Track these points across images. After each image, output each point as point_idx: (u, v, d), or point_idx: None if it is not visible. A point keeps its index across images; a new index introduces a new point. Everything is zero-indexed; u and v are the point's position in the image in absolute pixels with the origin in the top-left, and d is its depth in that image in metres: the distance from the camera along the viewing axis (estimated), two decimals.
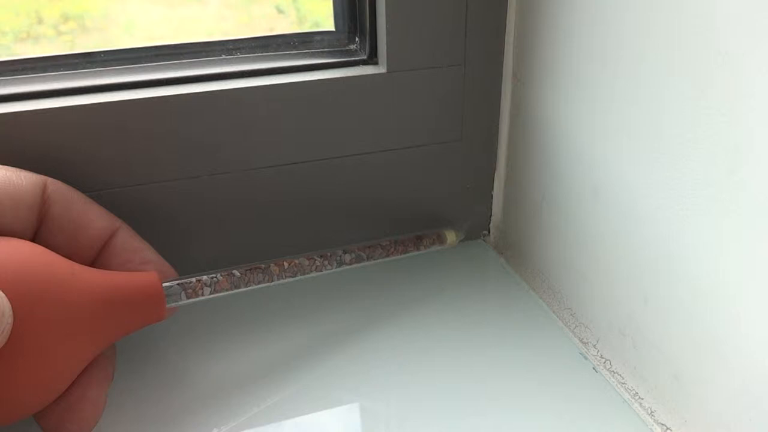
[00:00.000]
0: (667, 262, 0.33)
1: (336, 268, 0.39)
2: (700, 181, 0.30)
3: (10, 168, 0.32)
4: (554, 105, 0.40)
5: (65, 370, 0.30)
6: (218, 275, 0.35)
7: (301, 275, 0.38)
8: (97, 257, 0.35)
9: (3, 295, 0.27)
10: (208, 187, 0.41)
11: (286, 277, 0.37)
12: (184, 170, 0.40)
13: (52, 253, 0.31)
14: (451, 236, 0.45)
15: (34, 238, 0.33)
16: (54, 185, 0.34)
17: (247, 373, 0.39)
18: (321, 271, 0.38)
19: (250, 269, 0.36)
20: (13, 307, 0.28)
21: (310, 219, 0.45)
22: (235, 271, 0.36)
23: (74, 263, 0.32)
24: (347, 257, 0.39)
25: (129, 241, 0.35)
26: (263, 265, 0.37)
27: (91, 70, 0.39)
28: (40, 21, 0.43)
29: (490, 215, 0.50)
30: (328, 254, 0.39)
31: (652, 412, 0.36)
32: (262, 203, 0.43)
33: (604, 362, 0.39)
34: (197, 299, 0.35)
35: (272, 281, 0.37)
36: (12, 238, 0.31)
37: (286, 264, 0.37)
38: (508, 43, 0.43)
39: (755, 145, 0.27)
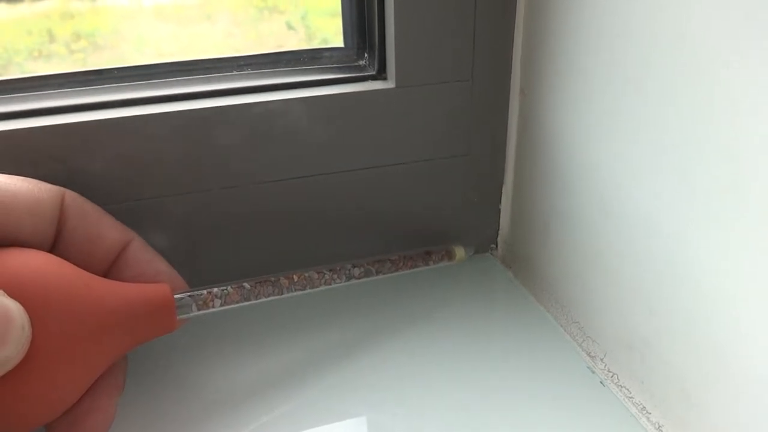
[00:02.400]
0: (675, 277, 0.33)
1: (345, 281, 0.39)
2: (707, 194, 0.30)
3: (30, 180, 0.33)
4: (561, 119, 0.40)
5: (78, 381, 0.30)
6: (228, 287, 0.35)
7: (310, 288, 0.38)
8: (110, 268, 0.35)
9: (22, 308, 0.28)
10: (218, 200, 0.42)
11: (295, 290, 0.37)
12: (194, 184, 0.41)
13: (68, 264, 0.31)
14: (460, 252, 0.45)
15: (51, 250, 0.33)
16: (70, 198, 0.34)
17: (255, 384, 0.39)
18: (330, 284, 0.39)
19: (260, 282, 0.36)
20: (30, 319, 0.28)
21: (319, 232, 0.45)
22: (245, 284, 0.36)
23: (89, 274, 0.32)
24: (356, 271, 0.40)
25: (141, 253, 0.36)
26: (273, 278, 0.37)
27: (104, 86, 0.40)
28: (52, 39, 0.43)
29: (498, 229, 0.50)
30: (337, 268, 0.39)
31: (659, 426, 0.36)
32: (271, 216, 0.43)
33: (612, 376, 0.39)
34: (207, 311, 0.35)
35: (282, 294, 0.37)
36: (30, 249, 0.31)
37: (295, 277, 0.38)
38: (516, 57, 0.44)
39: (759, 156, 0.27)
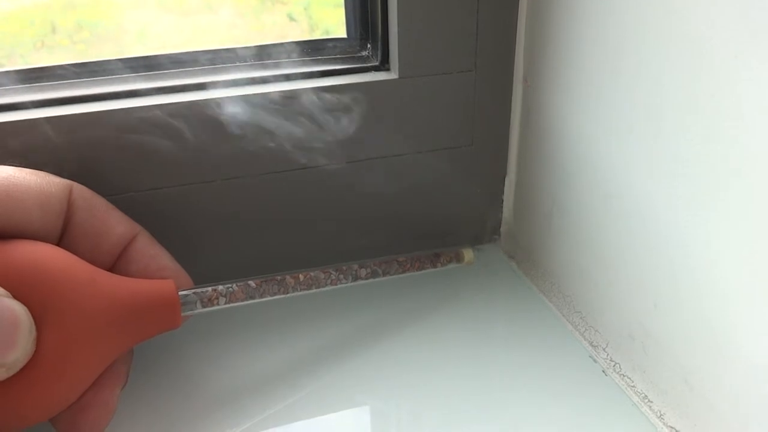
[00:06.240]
0: (676, 266, 0.33)
1: (351, 282, 0.39)
2: (710, 187, 0.30)
3: (39, 173, 0.33)
4: (565, 110, 0.40)
5: (82, 377, 0.31)
6: (234, 285, 0.36)
7: (316, 288, 0.38)
8: (115, 262, 0.35)
9: (26, 309, 0.28)
10: (221, 192, 0.42)
11: (301, 289, 0.37)
12: (196, 175, 0.41)
13: (75, 257, 0.31)
14: (468, 254, 0.45)
15: (58, 242, 0.33)
16: (78, 191, 0.34)
17: (260, 378, 0.39)
18: (336, 284, 0.39)
19: (265, 281, 0.37)
20: (33, 316, 0.28)
21: (322, 223, 0.45)
22: (250, 282, 0.36)
23: (95, 269, 0.32)
24: (363, 272, 0.40)
25: (147, 248, 0.36)
26: (279, 277, 0.37)
27: (106, 77, 0.40)
28: (54, 30, 0.43)
29: (501, 220, 0.50)
30: (344, 268, 0.39)
31: (661, 415, 0.36)
32: (275, 208, 0.44)
33: (614, 365, 0.39)
34: (212, 308, 0.35)
35: (287, 293, 0.37)
36: (37, 242, 0.31)
37: (301, 276, 0.38)
38: (519, 48, 0.44)
39: (761, 150, 0.27)
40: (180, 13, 0.44)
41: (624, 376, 0.39)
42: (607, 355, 0.40)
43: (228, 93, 0.39)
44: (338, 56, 0.43)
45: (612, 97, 0.35)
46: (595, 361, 0.40)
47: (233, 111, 0.39)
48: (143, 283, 0.33)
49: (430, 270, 0.43)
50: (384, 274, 0.40)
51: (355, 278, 0.39)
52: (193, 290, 0.35)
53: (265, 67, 0.42)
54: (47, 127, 0.37)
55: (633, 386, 0.38)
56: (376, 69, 0.43)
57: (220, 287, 0.35)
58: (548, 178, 0.43)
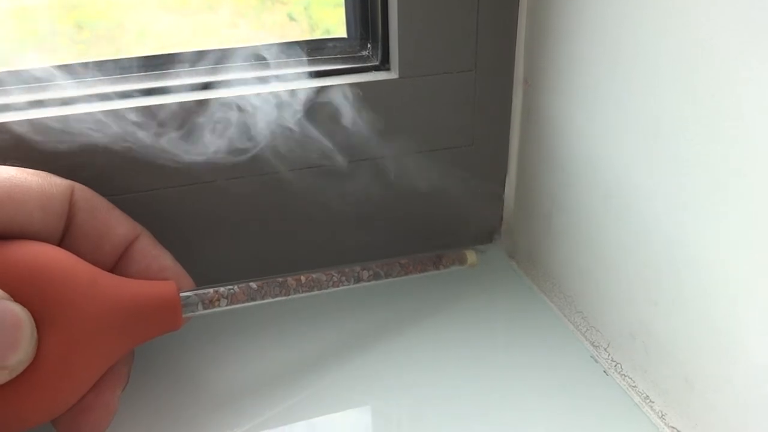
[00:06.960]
0: (677, 266, 0.33)
1: (353, 284, 0.39)
2: (710, 187, 0.30)
3: (41, 173, 0.33)
4: (565, 110, 0.40)
5: (83, 378, 0.31)
6: (235, 287, 0.36)
7: (318, 290, 0.38)
8: (117, 263, 0.35)
9: (27, 312, 0.28)
10: (221, 192, 0.42)
11: (302, 291, 0.37)
12: (198, 175, 0.41)
13: (76, 258, 0.31)
14: (471, 257, 0.45)
15: (59, 243, 0.33)
16: (80, 192, 0.34)
17: (261, 379, 0.39)
18: (338, 286, 0.39)
19: (267, 282, 0.37)
20: (35, 318, 0.28)
21: (323, 224, 0.45)
22: (252, 284, 0.36)
23: (96, 270, 0.32)
24: (365, 274, 0.40)
25: (148, 248, 0.36)
26: (280, 279, 0.37)
27: (105, 77, 0.40)
28: (54, 31, 0.43)
29: (501, 220, 0.50)
30: (346, 270, 0.39)
31: (663, 415, 0.36)
32: (275, 208, 0.44)
33: (615, 365, 0.39)
34: (214, 310, 0.35)
35: (289, 295, 0.37)
36: (38, 242, 0.31)
37: (303, 278, 0.38)
38: (519, 48, 0.44)
39: (759, 147, 0.27)
40: (180, 13, 0.44)
41: (625, 376, 0.39)
42: (609, 355, 0.40)
43: (227, 93, 0.39)
44: (338, 56, 0.43)
45: (612, 97, 0.35)
46: (596, 361, 0.40)
47: (233, 111, 0.39)
48: (144, 285, 0.33)
49: (432, 271, 0.43)
50: (386, 276, 0.40)
51: (357, 280, 0.39)
52: (195, 292, 0.35)
53: (265, 66, 0.42)
54: (48, 128, 0.36)
55: (634, 386, 0.38)
56: (376, 69, 0.43)
57: (222, 289, 0.35)
58: (548, 178, 0.43)
